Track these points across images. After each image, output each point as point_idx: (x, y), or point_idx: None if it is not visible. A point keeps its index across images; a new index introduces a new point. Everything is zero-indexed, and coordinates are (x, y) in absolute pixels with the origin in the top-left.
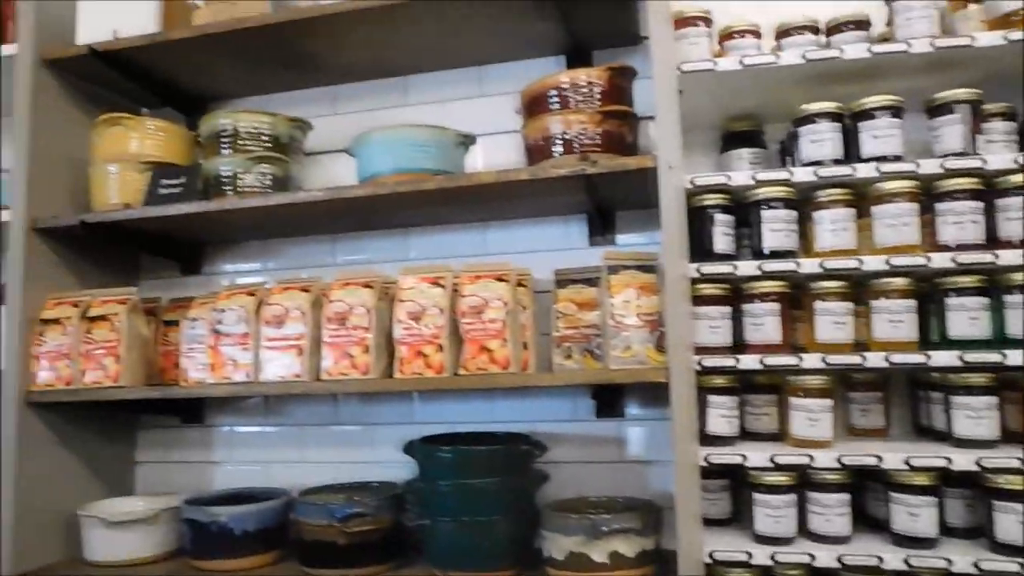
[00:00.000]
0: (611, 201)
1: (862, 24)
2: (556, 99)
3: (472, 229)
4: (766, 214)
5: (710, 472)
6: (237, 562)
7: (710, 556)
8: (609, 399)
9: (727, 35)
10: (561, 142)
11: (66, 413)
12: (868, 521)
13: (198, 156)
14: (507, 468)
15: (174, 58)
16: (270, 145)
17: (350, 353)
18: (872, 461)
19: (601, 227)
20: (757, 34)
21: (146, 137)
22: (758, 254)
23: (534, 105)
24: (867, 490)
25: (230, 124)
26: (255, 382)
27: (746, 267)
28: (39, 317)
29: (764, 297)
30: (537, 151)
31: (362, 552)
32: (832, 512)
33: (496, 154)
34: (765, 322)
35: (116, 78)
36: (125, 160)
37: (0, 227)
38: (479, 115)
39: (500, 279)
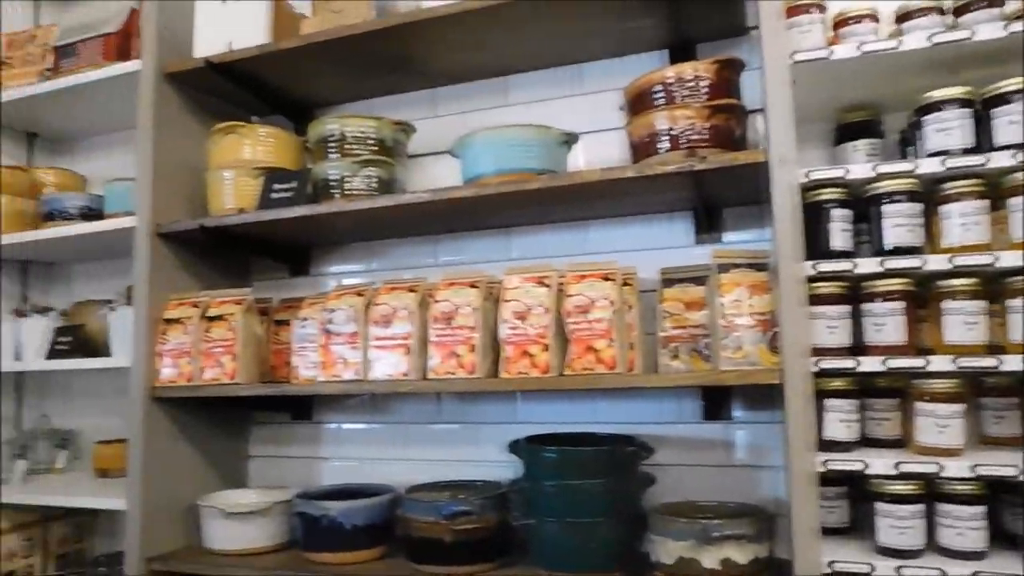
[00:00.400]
0: (718, 198)
1: (995, 1)
2: (661, 94)
3: (574, 228)
4: (888, 208)
5: (826, 479)
6: (346, 555)
7: (829, 566)
8: (717, 401)
9: (842, 21)
10: (667, 138)
11: (187, 408)
12: (1003, 536)
13: (307, 161)
14: (612, 469)
15: (283, 67)
16: (375, 148)
17: (456, 352)
18: (1011, 472)
19: (707, 225)
20: (875, 18)
21: (258, 144)
22: (879, 251)
23: (638, 101)
24: (1002, 503)
25: (337, 129)
26: (364, 380)
27: (866, 264)
28: (162, 317)
29: (887, 296)
30: (642, 148)
31: (468, 550)
32: (965, 525)
33: (598, 152)
34: (887, 322)
35: (230, 88)
36: (239, 166)
37: (127, 232)
38: (579, 113)
39: (606, 278)
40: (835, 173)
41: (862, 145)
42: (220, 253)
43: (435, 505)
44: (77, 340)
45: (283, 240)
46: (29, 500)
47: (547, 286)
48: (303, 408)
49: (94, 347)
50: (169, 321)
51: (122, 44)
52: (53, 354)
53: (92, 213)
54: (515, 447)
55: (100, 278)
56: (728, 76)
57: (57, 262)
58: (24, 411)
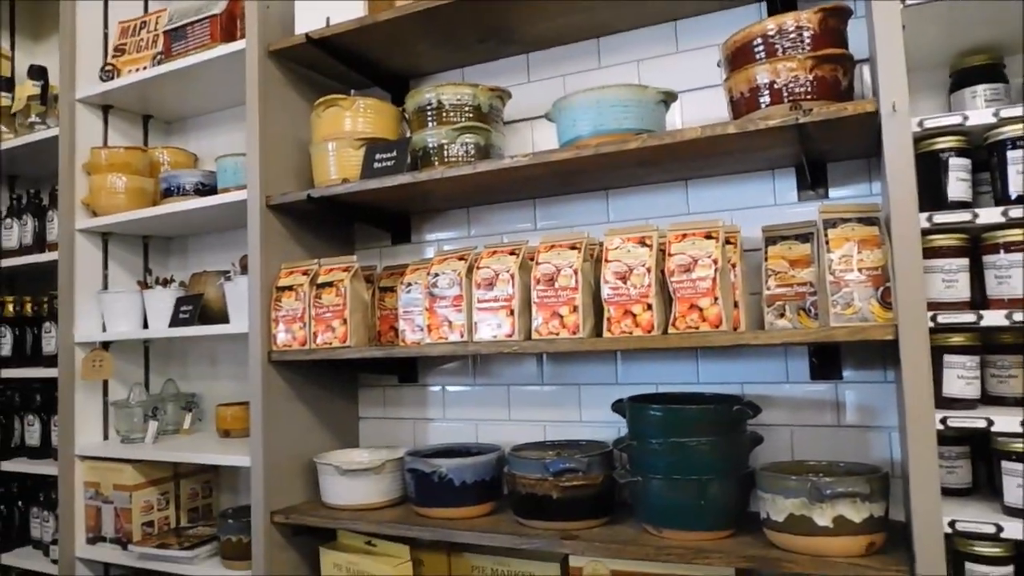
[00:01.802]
0: (823, 152)
1: None
2: (762, 47)
3: (673, 189)
4: (1013, 155)
5: (946, 438)
6: (456, 511)
7: (950, 526)
8: (825, 360)
9: None
10: (769, 92)
11: (301, 371)
12: None
13: (405, 131)
14: (719, 428)
15: (379, 39)
16: (472, 115)
17: (559, 313)
18: None
19: (811, 181)
20: None
21: (358, 116)
22: (1002, 200)
23: (738, 56)
24: None
25: (434, 98)
26: (469, 342)
27: (988, 215)
28: (276, 285)
29: (1011, 247)
30: (743, 104)
31: (575, 506)
32: None
33: (696, 111)
34: (1012, 274)
35: (330, 63)
36: (341, 138)
37: (239, 205)
38: (676, 72)
39: (708, 236)
40: (952, 120)
41: (982, 91)
42: (326, 223)
43: (543, 463)
44: (198, 309)
45: (385, 208)
46: (163, 457)
47: (648, 246)
48: (410, 371)
49: (213, 315)
50: (282, 289)
51: (228, 25)
52: (176, 322)
53: (206, 188)
54: (619, 406)
55: (214, 250)
56: (833, 25)
57: (174, 236)
58: (151, 376)
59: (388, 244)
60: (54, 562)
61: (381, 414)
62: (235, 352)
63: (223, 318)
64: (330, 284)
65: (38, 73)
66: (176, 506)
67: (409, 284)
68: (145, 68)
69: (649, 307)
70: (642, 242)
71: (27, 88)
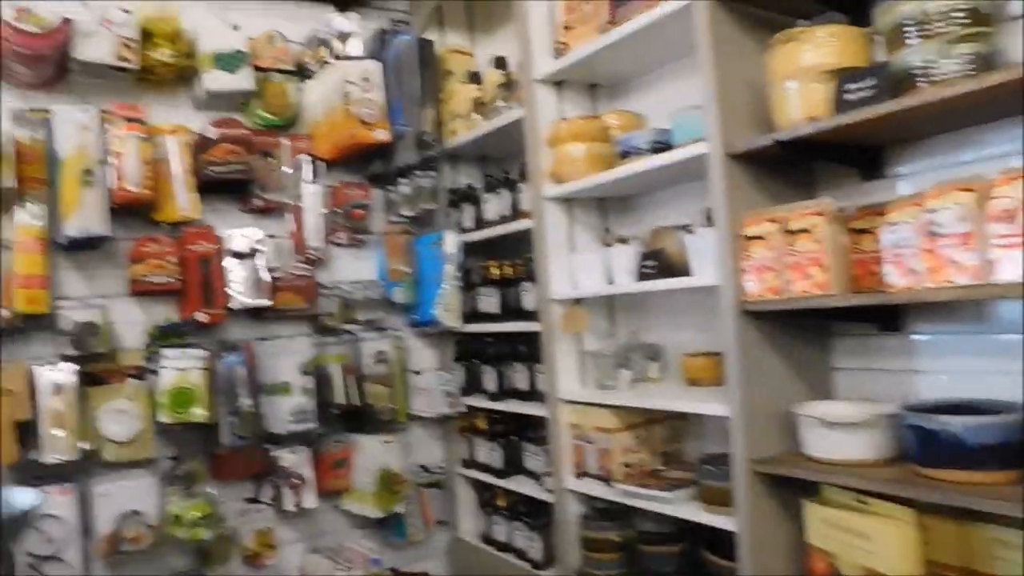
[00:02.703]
0: None
1: None
2: None
3: None
4: None
5: None
6: (971, 475)
7: None
8: None
9: None
10: None
11: (773, 321)
12: None
13: (874, 55)
14: None
15: None
16: (968, 21)
17: None
18: None
19: None
20: None
21: (820, 46)
22: None
23: None
24: None
25: (916, 8)
26: (986, 284)
27: None
28: (742, 235)
29: None
30: None
31: None
32: None
33: None
34: None
35: None
36: (802, 74)
37: (696, 159)
38: None
39: None
40: None
41: None
42: (785, 166)
43: None
44: (661, 263)
45: (854, 143)
46: (639, 404)
47: None
48: (891, 319)
49: (673, 268)
50: (750, 238)
51: None
52: (641, 276)
53: (661, 146)
54: None
55: (666, 205)
56: None
57: (628, 196)
58: (616, 328)
59: (856, 181)
60: (548, 491)
61: (857, 365)
62: (696, 303)
63: (683, 271)
64: (803, 230)
65: (500, 63)
66: (649, 450)
67: (895, 223)
68: (593, 39)
69: None
70: None
71: (494, 78)
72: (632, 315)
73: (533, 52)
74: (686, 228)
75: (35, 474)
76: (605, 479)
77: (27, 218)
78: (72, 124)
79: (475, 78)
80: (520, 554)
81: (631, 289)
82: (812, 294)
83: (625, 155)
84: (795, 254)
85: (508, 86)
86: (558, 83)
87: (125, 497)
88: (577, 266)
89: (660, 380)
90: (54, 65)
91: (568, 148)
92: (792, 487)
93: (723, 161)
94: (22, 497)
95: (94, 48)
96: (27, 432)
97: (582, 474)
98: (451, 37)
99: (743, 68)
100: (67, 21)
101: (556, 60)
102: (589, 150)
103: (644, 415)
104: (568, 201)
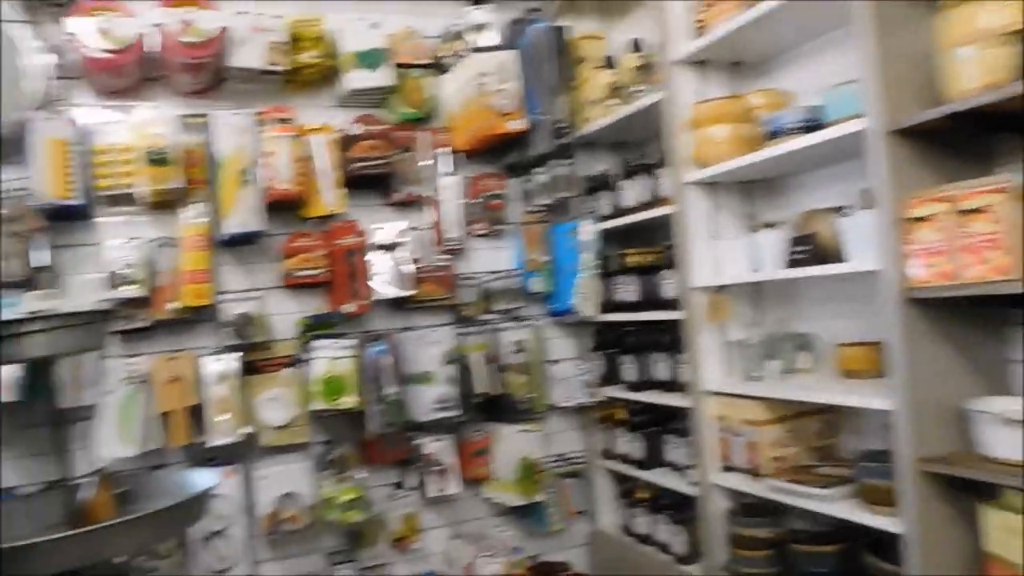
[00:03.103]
0: None
1: None
2: None
3: None
4: None
5: None
6: None
7: None
8: None
9: None
10: None
11: (941, 308)
12: None
13: None
14: None
15: None
16: None
17: None
18: None
19: None
20: None
21: (1002, 7)
22: None
23: None
24: None
25: None
26: None
27: None
28: (906, 216)
29: None
30: None
31: None
32: None
33: None
34: None
35: None
36: (979, 39)
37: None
38: None
39: None
40: None
41: None
42: (956, 141)
43: None
44: (813, 248)
45: None
46: (788, 395)
47: None
48: None
49: (826, 253)
50: (915, 220)
51: None
52: (791, 263)
53: (812, 124)
54: None
55: (816, 188)
56: None
57: (774, 178)
58: (762, 317)
59: None
60: (692, 484)
61: None
62: (851, 290)
63: (837, 256)
64: (978, 209)
65: (636, 46)
66: (800, 444)
67: None
68: (736, 16)
69: None
70: None
71: (629, 60)
72: (780, 303)
73: (671, 32)
74: (840, 211)
75: (204, 456)
76: (753, 473)
77: (193, 217)
78: (229, 127)
79: (610, 63)
80: (663, 547)
81: (780, 276)
82: (990, 279)
83: (773, 135)
84: (969, 236)
85: (644, 69)
86: (698, 63)
87: (282, 479)
88: (721, 253)
89: (811, 371)
90: (212, 72)
91: (710, 130)
92: (966, 489)
93: (885, 138)
94: (204, 478)
95: (247, 54)
96: (195, 417)
97: (728, 468)
98: (584, 23)
99: (905, 37)
100: (223, 30)
101: (696, 39)
102: (733, 131)
103: (795, 408)
104: (711, 185)
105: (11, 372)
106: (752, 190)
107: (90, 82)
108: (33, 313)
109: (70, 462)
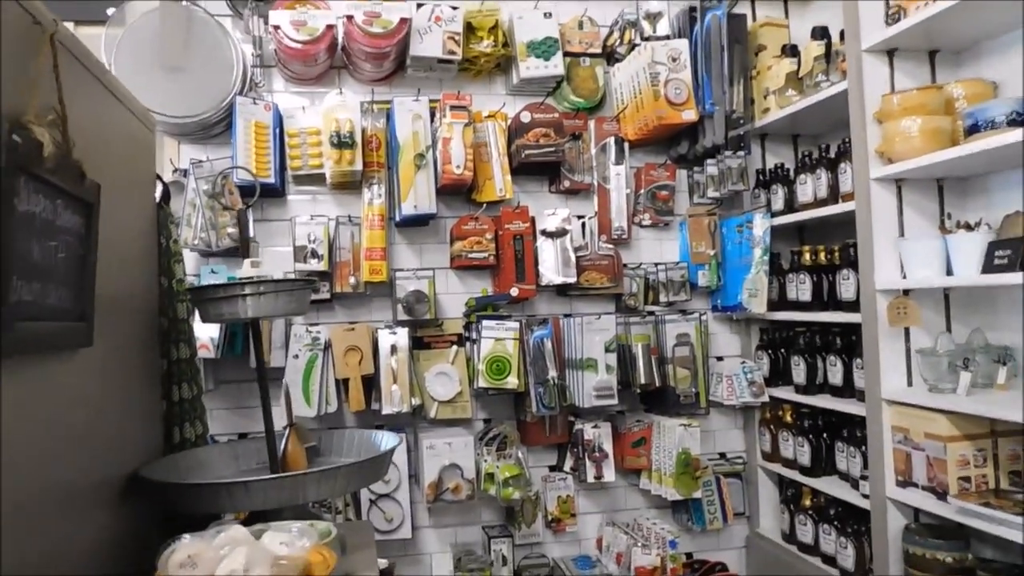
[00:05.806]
0: None
1: None
2: None
3: None
4: None
5: None
6: None
7: None
8: None
9: None
10: None
11: None
12: None
13: None
14: None
15: None
16: None
17: None
18: None
19: None
20: None
21: None
22: None
23: None
24: None
25: None
26: None
27: None
28: None
29: None
30: None
31: None
32: None
33: None
34: None
35: None
36: None
37: None
38: None
39: None
40: None
41: None
42: None
43: None
44: (1018, 254)
45: None
46: (980, 412)
47: None
48: None
49: None
50: None
51: None
52: (991, 269)
53: (1021, 118)
54: None
55: (1015, 187)
56: None
57: (972, 176)
58: (953, 325)
59: None
60: (864, 496)
61: None
62: None
63: None
64: None
65: (821, 33)
66: (995, 466)
67: None
68: (937, 1)
69: None
70: None
71: (812, 49)
72: (974, 311)
73: (861, 19)
74: None
75: (376, 423)
76: (936, 492)
77: (372, 197)
78: (408, 113)
79: (791, 51)
80: (828, 559)
81: (978, 282)
82: None
83: (974, 129)
84: None
85: (829, 58)
86: (890, 51)
87: (446, 451)
88: (909, 254)
89: (1008, 387)
90: (393, 61)
91: (902, 123)
92: None
93: None
94: (388, 439)
95: (427, 43)
96: (370, 386)
97: (906, 483)
98: (764, 9)
99: None
100: (404, 21)
101: (889, 26)
102: (927, 124)
103: (989, 425)
104: (899, 182)
105: (215, 333)
106: (945, 188)
107: (284, 70)
108: (249, 278)
109: (268, 416)
